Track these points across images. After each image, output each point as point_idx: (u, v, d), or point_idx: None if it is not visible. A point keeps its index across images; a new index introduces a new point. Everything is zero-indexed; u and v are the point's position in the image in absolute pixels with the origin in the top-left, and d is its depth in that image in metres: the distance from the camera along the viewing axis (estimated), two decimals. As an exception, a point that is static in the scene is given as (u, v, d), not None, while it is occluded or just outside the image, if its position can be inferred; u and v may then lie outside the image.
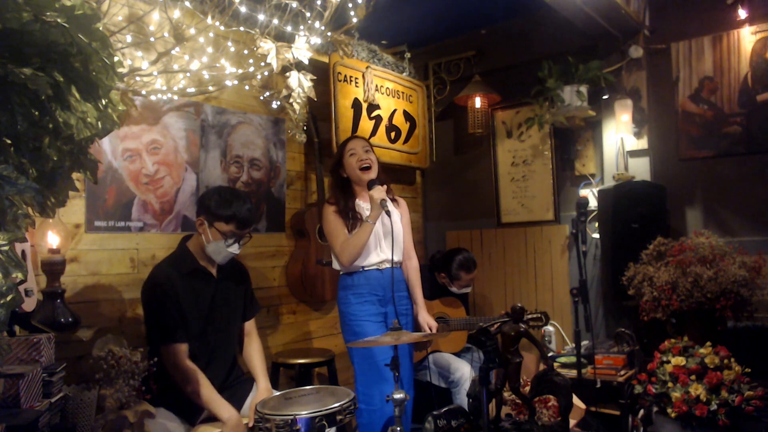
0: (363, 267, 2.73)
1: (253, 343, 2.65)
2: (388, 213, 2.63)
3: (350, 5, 2.66)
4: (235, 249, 2.43)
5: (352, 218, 2.74)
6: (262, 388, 2.51)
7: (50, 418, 1.75)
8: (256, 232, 3.31)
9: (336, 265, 2.81)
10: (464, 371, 3.23)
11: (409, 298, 2.91)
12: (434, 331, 2.97)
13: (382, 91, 3.91)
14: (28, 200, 1.19)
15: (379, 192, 2.65)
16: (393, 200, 2.89)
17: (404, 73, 4.16)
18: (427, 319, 2.96)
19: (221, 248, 2.40)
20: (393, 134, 4.02)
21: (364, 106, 3.74)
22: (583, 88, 3.71)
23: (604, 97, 3.82)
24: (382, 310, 2.74)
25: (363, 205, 2.78)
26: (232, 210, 2.37)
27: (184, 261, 2.43)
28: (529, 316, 3.26)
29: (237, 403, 2.46)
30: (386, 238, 2.79)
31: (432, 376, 3.31)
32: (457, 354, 3.43)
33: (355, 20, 2.71)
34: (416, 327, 2.95)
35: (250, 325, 2.67)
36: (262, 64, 2.80)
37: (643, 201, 3.48)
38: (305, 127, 3.18)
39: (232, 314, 2.54)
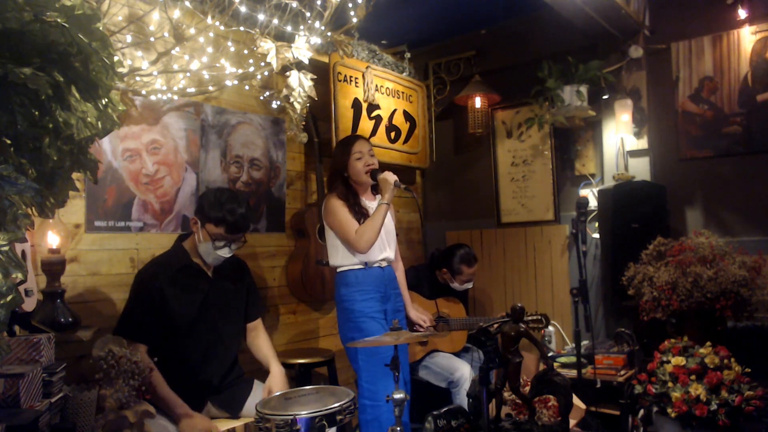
0: (367, 263, 2.74)
1: (261, 335, 2.67)
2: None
3: (350, 5, 2.66)
4: (224, 252, 2.42)
5: (359, 213, 2.75)
6: (276, 372, 2.54)
7: (50, 418, 1.75)
8: (256, 232, 3.31)
9: (337, 261, 2.80)
10: (464, 371, 3.23)
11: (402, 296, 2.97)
12: (428, 323, 3.01)
13: (382, 91, 3.91)
14: (28, 200, 1.19)
15: (389, 175, 2.72)
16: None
17: (404, 73, 4.16)
18: (419, 315, 3.02)
19: (210, 250, 2.40)
20: (393, 134, 4.02)
21: (364, 106, 3.74)
22: (583, 88, 3.71)
23: (604, 97, 3.82)
24: (383, 307, 2.78)
25: (368, 204, 2.81)
26: (222, 213, 2.35)
27: (175, 258, 2.43)
28: (530, 318, 3.26)
29: (236, 403, 2.47)
30: (388, 235, 2.82)
31: (432, 376, 3.31)
32: (457, 354, 3.43)
33: (355, 20, 2.71)
34: (409, 324, 3.00)
35: (256, 322, 2.68)
36: (262, 64, 2.80)
37: (643, 201, 3.48)
38: (305, 127, 3.17)
39: (230, 313, 2.54)
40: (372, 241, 2.66)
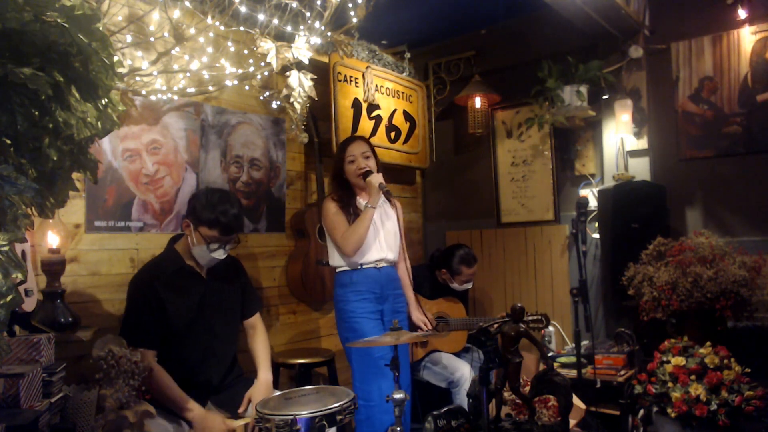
0: (362, 264, 2.75)
1: (258, 335, 2.64)
2: (388, 193, 2.70)
3: (350, 5, 2.66)
4: (219, 254, 2.39)
5: (353, 214, 2.76)
6: (261, 379, 2.50)
7: (50, 418, 1.75)
8: (256, 232, 3.31)
9: (335, 262, 2.81)
10: (464, 371, 3.23)
11: (404, 297, 2.95)
12: (430, 326, 3.01)
13: (382, 91, 3.91)
14: (28, 200, 1.19)
15: (376, 177, 2.71)
16: (390, 200, 2.90)
17: (404, 73, 4.16)
18: (420, 317, 3.01)
19: (205, 253, 2.37)
20: (393, 134, 4.02)
21: (364, 106, 3.74)
22: (583, 88, 3.71)
23: (604, 97, 3.82)
24: (379, 307, 2.78)
25: (363, 203, 2.81)
26: (215, 214, 2.31)
27: (169, 261, 2.42)
28: (530, 318, 3.26)
29: (236, 402, 2.46)
30: (386, 234, 2.82)
31: (432, 376, 3.31)
32: (457, 354, 3.43)
33: (355, 20, 2.71)
34: (411, 326, 2.99)
35: (254, 320, 2.66)
36: (262, 64, 2.80)
37: (643, 201, 3.48)
38: (305, 127, 3.18)
39: (227, 313, 2.53)
40: (356, 244, 2.68)
